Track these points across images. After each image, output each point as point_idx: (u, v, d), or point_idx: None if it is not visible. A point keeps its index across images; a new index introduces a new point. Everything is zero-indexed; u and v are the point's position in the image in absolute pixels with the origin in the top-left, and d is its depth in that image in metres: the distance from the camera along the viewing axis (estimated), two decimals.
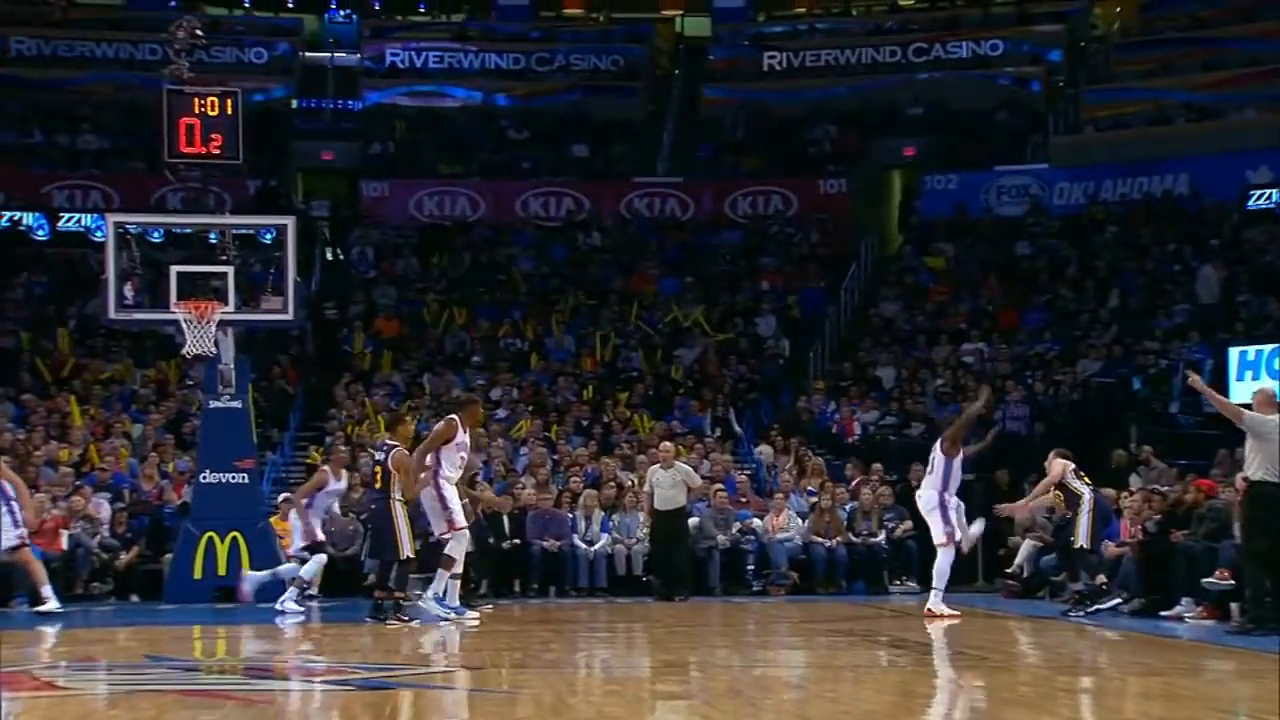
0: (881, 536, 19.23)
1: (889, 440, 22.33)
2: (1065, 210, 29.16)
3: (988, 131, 31.36)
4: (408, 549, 14.22)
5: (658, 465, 18.07)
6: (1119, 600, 15.02)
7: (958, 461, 15.04)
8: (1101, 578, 15.23)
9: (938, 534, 14.96)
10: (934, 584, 14.87)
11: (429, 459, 14.14)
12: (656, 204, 30.80)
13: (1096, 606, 14.87)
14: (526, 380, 24.21)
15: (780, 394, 24.87)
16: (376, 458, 14.47)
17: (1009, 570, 18.11)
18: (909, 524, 19.04)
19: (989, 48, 32.83)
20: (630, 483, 19.48)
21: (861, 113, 32.32)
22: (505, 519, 18.89)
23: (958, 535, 14.99)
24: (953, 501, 15.08)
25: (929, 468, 15.19)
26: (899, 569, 19.11)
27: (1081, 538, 14.97)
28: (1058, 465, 15.15)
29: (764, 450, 21.96)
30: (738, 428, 22.96)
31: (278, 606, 15.57)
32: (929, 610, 14.60)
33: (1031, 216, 28.99)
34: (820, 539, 19.09)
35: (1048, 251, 27.88)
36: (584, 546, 18.65)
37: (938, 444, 15.26)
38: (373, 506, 14.30)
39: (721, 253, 29.21)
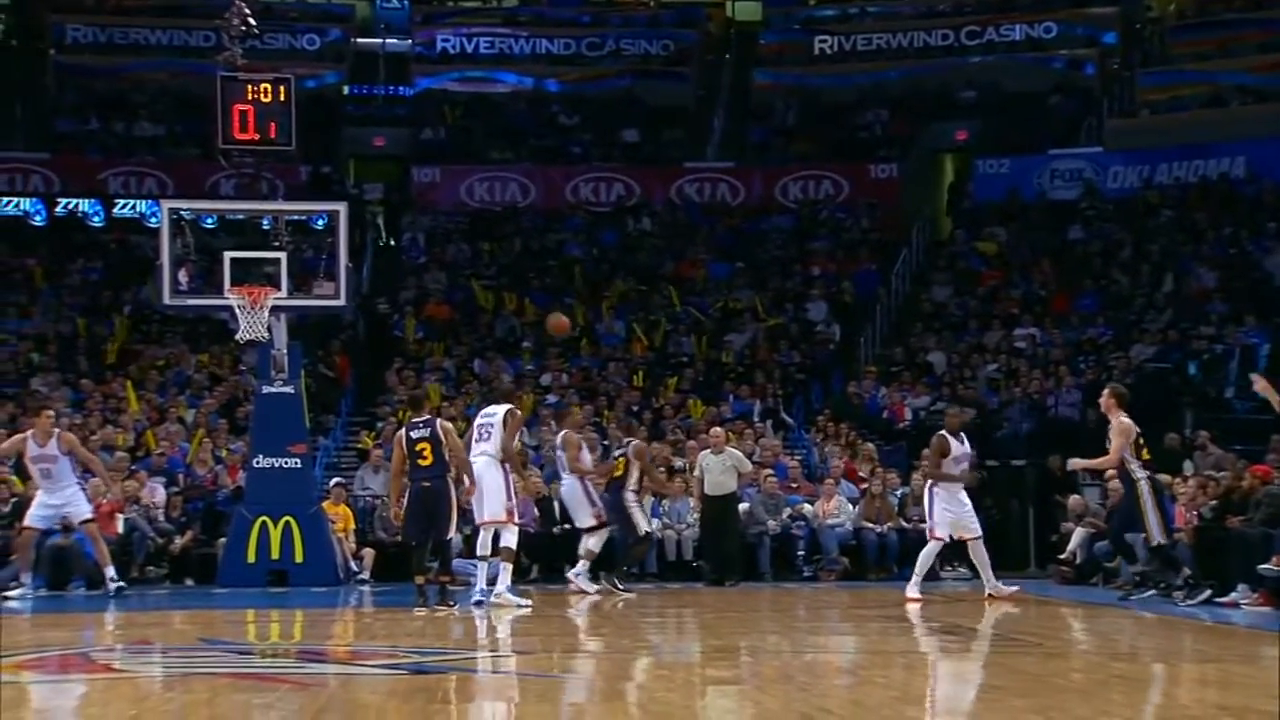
0: None
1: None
2: (1119, 194, 28.91)
3: (1041, 115, 31.09)
4: (454, 529, 14.21)
5: (708, 450, 18.06)
6: (1209, 590, 14.49)
7: (949, 461, 15.03)
8: (1187, 570, 14.80)
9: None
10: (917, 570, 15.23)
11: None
12: (707, 189, 30.74)
13: (1198, 598, 14.13)
14: (577, 366, 24.24)
15: (831, 379, 24.80)
16: (414, 435, 13.91)
17: (1062, 556, 18.00)
18: None
19: (1043, 30, 32.54)
20: (680, 468, 19.47)
21: (913, 97, 32.13)
22: (556, 505, 18.92)
23: (938, 530, 15.13)
24: (941, 494, 15.05)
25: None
26: (950, 555, 19.00)
27: (1155, 534, 14.23)
28: (1126, 422, 14.30)
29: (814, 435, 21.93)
30: (787, 418, 22.89)
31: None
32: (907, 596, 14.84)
33: (1085, 200, 28.75)
34: (871, 524, 19.03)
35: (1101, 235, 27.64)
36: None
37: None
38: (426, 484, 13.81)
39: (772, 238, 29.14)
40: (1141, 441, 14.35)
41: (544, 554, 18.69)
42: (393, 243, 29.87)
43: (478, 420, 14.86)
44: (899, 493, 19.60)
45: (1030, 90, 31.46)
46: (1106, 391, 14.90)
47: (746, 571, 18.02)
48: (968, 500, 15.41)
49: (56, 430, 16.20)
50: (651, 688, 9.05)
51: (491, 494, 14.29)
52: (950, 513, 15.10)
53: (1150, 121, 29.92)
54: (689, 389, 23.56)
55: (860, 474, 20.01)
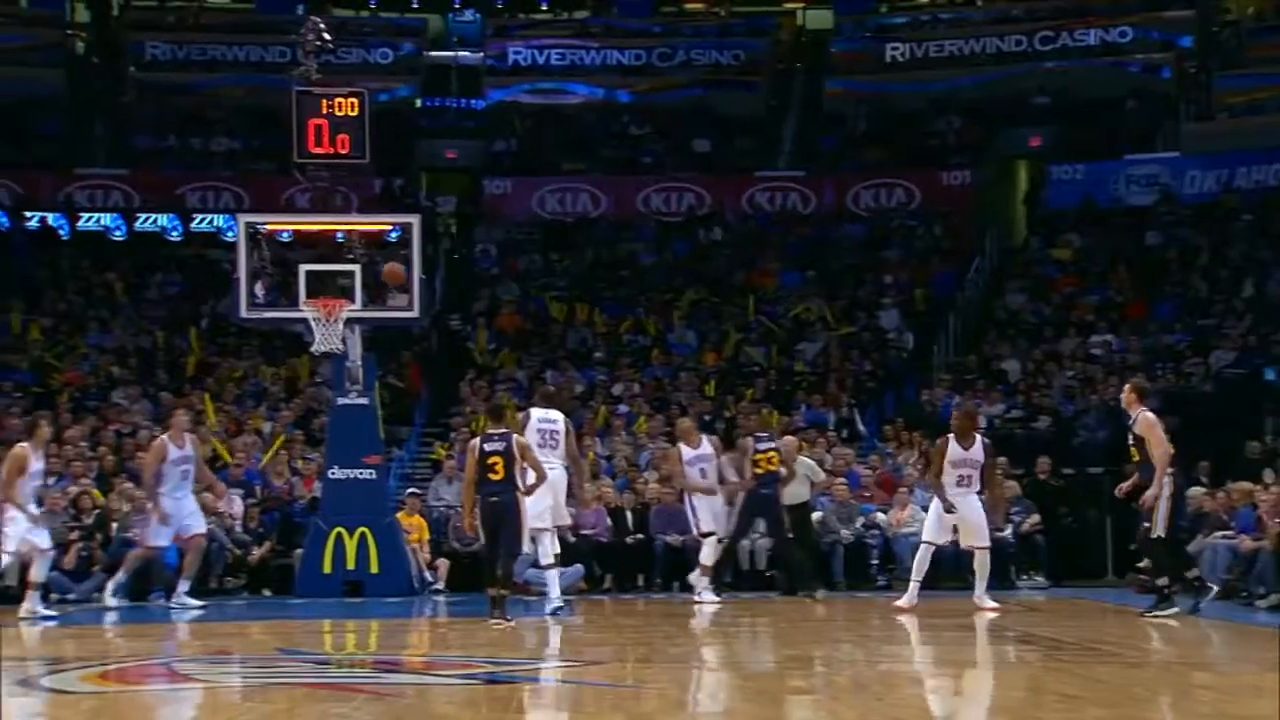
0: (1008, 530, 18.97)
1: (1014, 433, 22.02)
2: (1197, 199, 28.58)
3: (1116, 120, 30.80)
4: (525, 543, 14.14)
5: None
6: (1214, 591, 14.23)
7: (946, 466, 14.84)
8: (1195, 570, 14.59)
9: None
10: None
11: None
12: (778, 198, 30.71)
13: (1195, 602, 13.99)
14: (649, 376, 24.26)
15: (904, 387, 24.66)
16: (487, 448, 13.65)
17: (1140, 565, 17.77)
18: (1036, 518, 18.82)
19: (1118, 34, 32.23)
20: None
21: (986, 103, 31.92)
22: (629, 514, 18.94)
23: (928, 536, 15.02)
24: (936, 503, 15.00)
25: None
26: (1026, 563, 18.85)
27: (1159, 527, 13.90)
28: (1153, 416, 13.95)
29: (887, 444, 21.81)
30: (862, 428, 22.78)
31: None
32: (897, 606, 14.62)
33: (1162, 205, 28.45)
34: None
35: (1178, 241, 27.34)
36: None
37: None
38: (494, 499, 13.61)
39: (843, 246, 29.04)
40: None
41: (617, 564, 18.70)
42: (465, 254, 30.03)
43: (536, 425, 14.87)
44: None
45: (1105, 95, 31.15)
46: (1128, 386, 14.47)
47: (820, 581, 17.91)
48: (979, 507, 14.90)
49: (189, 432, 16.32)
50: (726, 698, 9.03)
51: (562, 502, 14.44)
52: (949, 517, 14.76)
53: (1228, 125, 29.57)
54: (761, 398, 23.50)
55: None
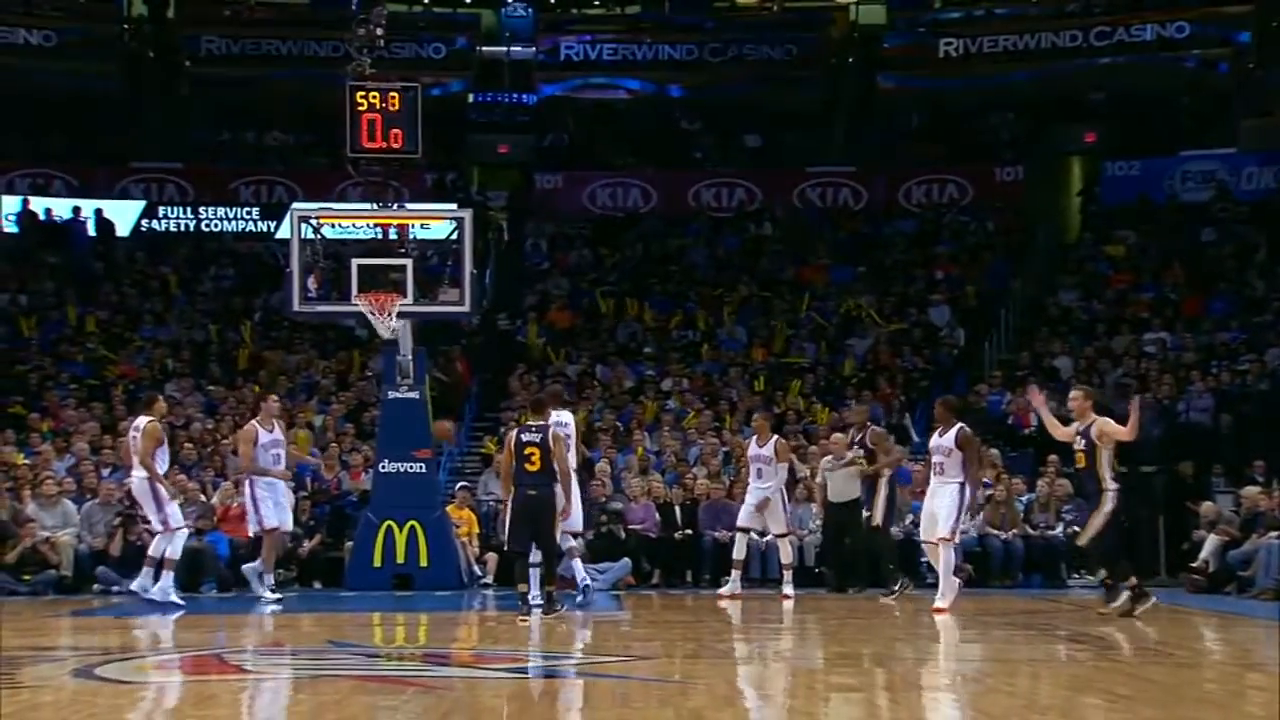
0: (1059, 529, 18.87)
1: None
2: (1253, 195, 28.29)
3: (1172, 116, 30.54)
4: (560, 537, 14.08)
5: (830, 457, 17.91)
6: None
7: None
8: (1102, 573, 14.30)
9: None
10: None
11: None
12: (829, 193, 30.62)
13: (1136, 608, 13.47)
14: (698, 371, 24.24)
15: (954, 384, 24.52)
16: (524, 439, 13.61)
17: (1194, 564, 17.65)
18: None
19: (1174, 30, 31.88)
20: (802, 474, 19.37)
21: (1040, 99, 31.68)
22: (677, 509, 18.95)
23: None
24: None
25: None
26: (1077, 562, 18.72)
27: (1089, 535, 13.64)
28: (1111, 423, 13.54)
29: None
30: (914, 435, 22.65)
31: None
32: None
33: (1218, 202, 28.18)
34: (996, 531, 18.81)
35: (1235, 237, 27.08)
36: (756, 538, 18.49)
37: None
38: (532, 492, 13.48)
39: (895, 242, 28.93)
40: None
41: (665, 559, 18.71)
42: (516, 249, 30.09)
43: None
44: (1024, 499, 19.35)
45: (1161, 91, 30.89)
46: (1081, 394, 13.94)
47: (870, 579, 17.86)
48: (945, 498, 14.43)
49: (279, 418, 16.45)
50: (774, 694, 9.02)
51: (577, 507, 14.48)
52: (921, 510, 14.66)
53: None
54: (810, 394, 23.45)
55: (985, 480, 19.75)
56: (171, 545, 15.33)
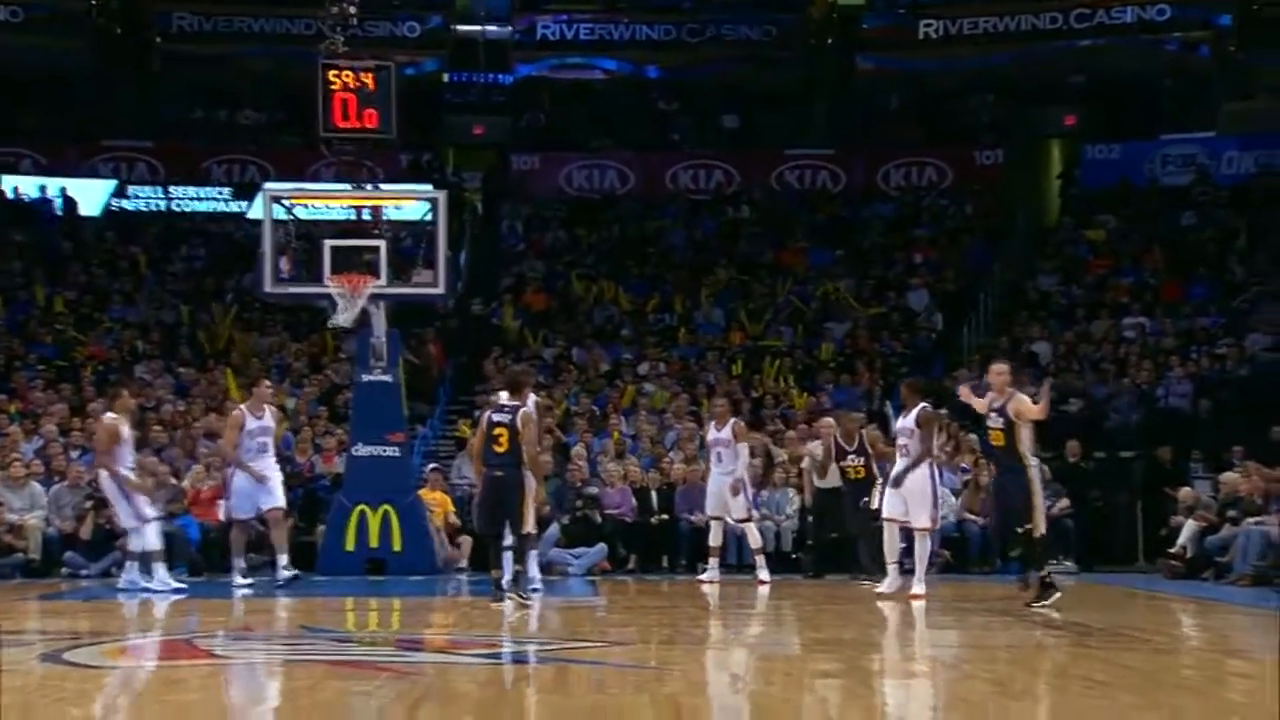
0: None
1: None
2: (1234, 180, 28.40)
3: (1152, 99, 30.62)
4: (530, 523, 13.88)
5: (818, 442, 17.79)
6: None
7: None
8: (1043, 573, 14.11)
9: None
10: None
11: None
12: (808, 176, 30.65)
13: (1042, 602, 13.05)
14: (675, 355, 24.23)
15: (932, 369, 24.56)
16: (495, 418, 13.57)
17: (1172, 550, 17.71)
18: (1065, 502, 18.73)
19: (1155, 12, 31.93)
20: (780, 458, 19.37)
21: (1020, 81, 31.76)
22: (654, 494, 18.94)
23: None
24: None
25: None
26: (1055, 547, 18.75)
27: (1041, 524, 13.09)
28: (1027, 400, 13.03)
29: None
30: (890, 413, 22.65)
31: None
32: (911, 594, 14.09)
33: (1198, 186, 28.27)
34: (974, 516, 18.84)
35: (1215, 222, 27.18)
36: (732, 523, 18.44)
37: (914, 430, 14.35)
38: (498, 473, 13.41)
39: (873, 225, 28.95)
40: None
41: (641, 544, 18.70)
42: (492, 231, 30.02)
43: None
44: None
45: (1142, 74, 30.96)
46: (1005, 367, 13.45)
47: (847, 564, 17.83)
48: (918, 482, 14.36)
49: (269, 403, 16.26)
50: (751, 680, 9.02)
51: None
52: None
53: (1266, 105, 29.35)
54: (788, 379, 23.45)
55: (963, 465, 19.81)
56: (146, 539, 15.20)
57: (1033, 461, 13.10)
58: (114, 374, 22.31)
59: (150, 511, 15.30)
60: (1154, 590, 15.87)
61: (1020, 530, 13.00)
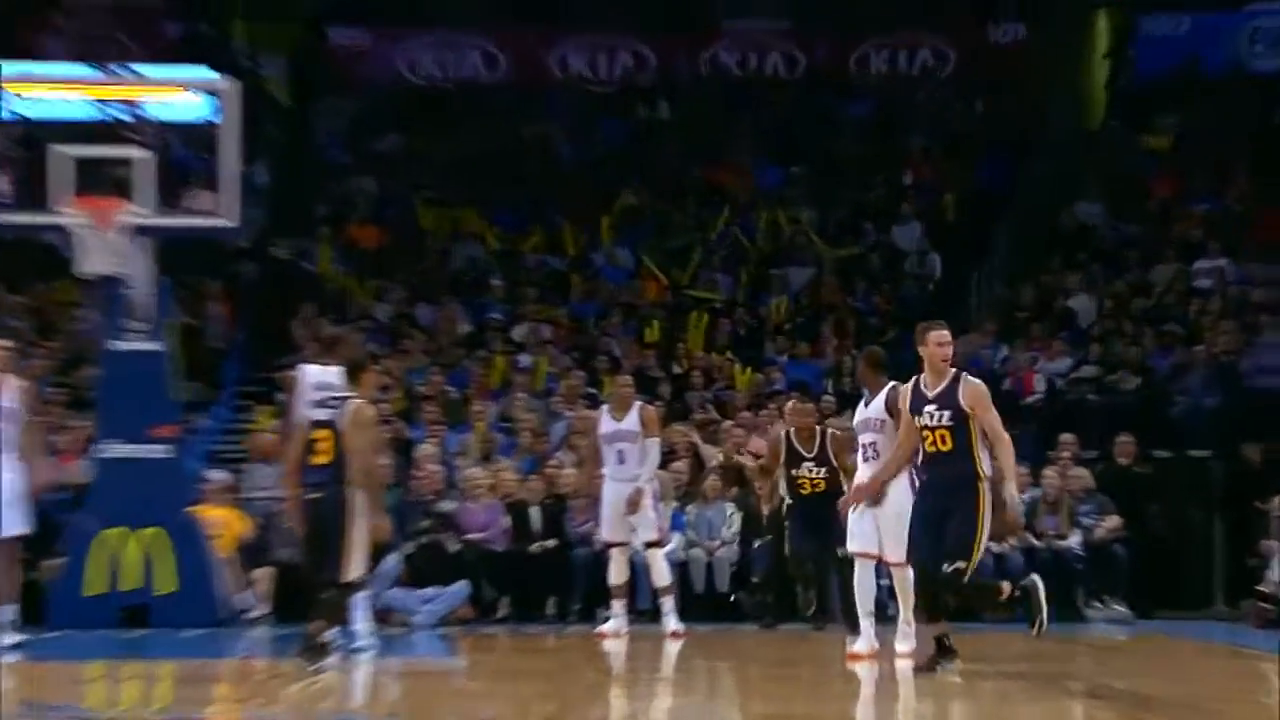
0: (1075, 538, 19.07)
1: (1085, 400, 22.11)
2: None
3: None
4: (358, 567, 13.55)
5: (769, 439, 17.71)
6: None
7: None
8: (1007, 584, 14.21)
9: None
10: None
11: None
12: (752, 60, 30.72)
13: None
14: (565, 313, 24.21)
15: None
16: (315, 418, 13.55)
17: (1261, 588, 17.91)
18: (1115, 520, 18.90)
19: None
20: (714, 459, 19.40)
21: None
22: (535, 511, 18.91)
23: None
24: None
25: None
26: (1100, 585, 18.95)
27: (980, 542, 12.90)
28: (981, 386, 12.88)
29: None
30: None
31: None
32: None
33: None
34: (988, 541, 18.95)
35: None
36: (638, 548, 18.19)
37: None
38: (314, 495, 13.23)
39: (845, 131, 29.07)
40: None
41: (517, 582, 18.66)
42: (302, 138, 29.85)
43: (312, 387, 14.63)
44: (1026, 497, 19.47)
45: None
46: (945, 333, 12.95)
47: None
48: (894, 501, 13.84)
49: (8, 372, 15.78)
50: None
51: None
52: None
53: None
54: (725, 347, 23.50)
55: None
56: None
57: (987, 471, 12.82)
58: None
59: None
60: (1239, 644, 16.04)
61: (949, 569, 12.70)
